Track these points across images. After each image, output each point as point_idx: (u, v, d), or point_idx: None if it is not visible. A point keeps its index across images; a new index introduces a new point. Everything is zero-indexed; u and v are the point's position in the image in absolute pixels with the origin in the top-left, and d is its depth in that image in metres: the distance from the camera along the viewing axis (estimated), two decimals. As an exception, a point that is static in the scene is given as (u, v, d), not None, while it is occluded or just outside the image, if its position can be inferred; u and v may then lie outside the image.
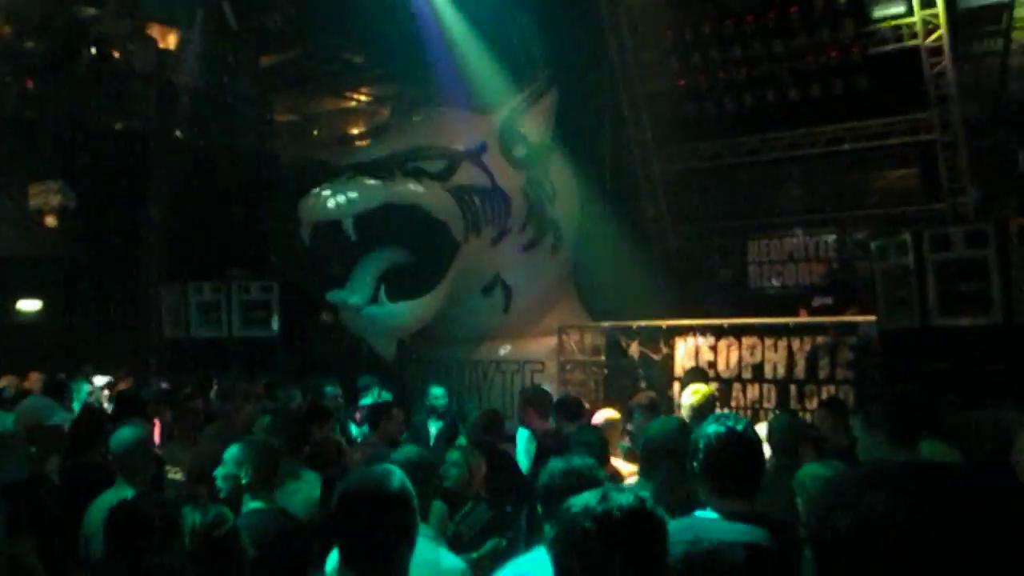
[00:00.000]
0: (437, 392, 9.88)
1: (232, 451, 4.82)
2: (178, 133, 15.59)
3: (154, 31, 16.10)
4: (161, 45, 16.02)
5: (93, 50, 14.55)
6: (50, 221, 14.02)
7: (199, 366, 12.70)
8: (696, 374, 10.59)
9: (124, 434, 5.33)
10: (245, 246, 15.87)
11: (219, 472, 4.81)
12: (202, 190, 15.15)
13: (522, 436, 8.01)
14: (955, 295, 8.95)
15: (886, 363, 9.96)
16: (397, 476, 3.01)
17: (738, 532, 3.22)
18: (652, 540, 2.38)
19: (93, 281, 14.45)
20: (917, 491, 1.49)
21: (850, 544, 1.46)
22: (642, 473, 4.72)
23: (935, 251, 9.12)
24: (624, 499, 2.37)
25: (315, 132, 21.34)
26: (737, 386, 11.36)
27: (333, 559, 3.21)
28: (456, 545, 4.81)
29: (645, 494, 2.51)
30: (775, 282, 14.49)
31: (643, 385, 11.64)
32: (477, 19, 13.06)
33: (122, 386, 10.89)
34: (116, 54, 15.24)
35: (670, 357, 11.91)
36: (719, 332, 11.61)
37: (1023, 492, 1.57)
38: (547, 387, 10.01)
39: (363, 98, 20.72)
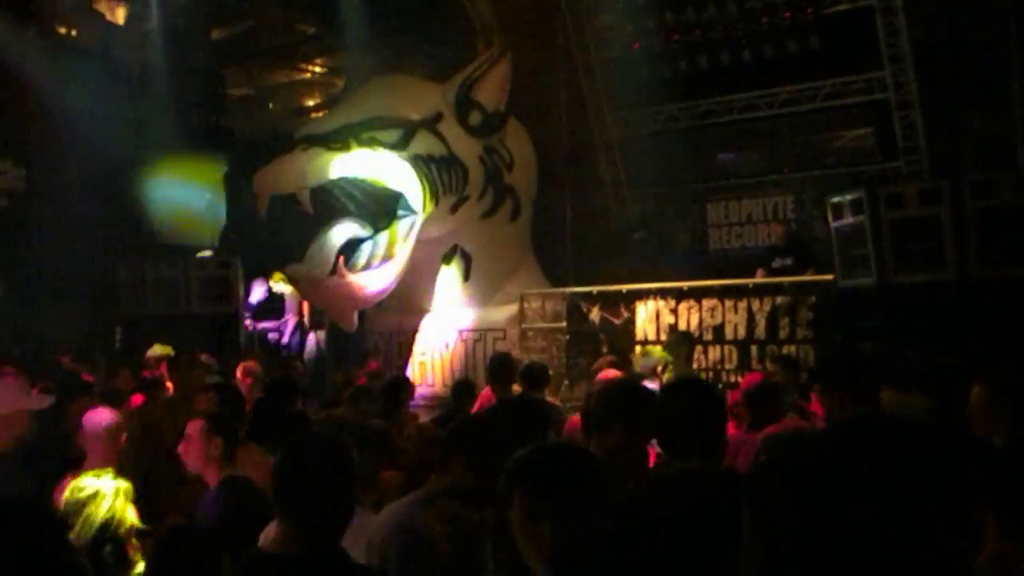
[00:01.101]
0: None
1: None
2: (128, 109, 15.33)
3: (102, 6, 15.83)
4: (109, 19, 15.75)
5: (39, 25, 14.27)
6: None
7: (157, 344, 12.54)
8: (682, 337, 10.67)
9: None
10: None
11: None
12: (153, 166, 14.94)
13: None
14: (909, 252, 9.03)
15: (843, 321, 10.04)
16: (341, 443, 3.00)
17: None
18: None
19: (48, 260, 14.21)
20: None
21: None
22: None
23: (890, 209, 9.19)
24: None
25: (270, 105, 21.18)
26: (699, 348, 11.41)
27: None
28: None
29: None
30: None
31: (605, 350, 11.68)
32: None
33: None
34: (63, 30, 14.98)
35: (631, 321, 11.95)
36: (679, 295, 11.65)
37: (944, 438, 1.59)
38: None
39: (318, 69, 20.56)
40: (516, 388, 7.91)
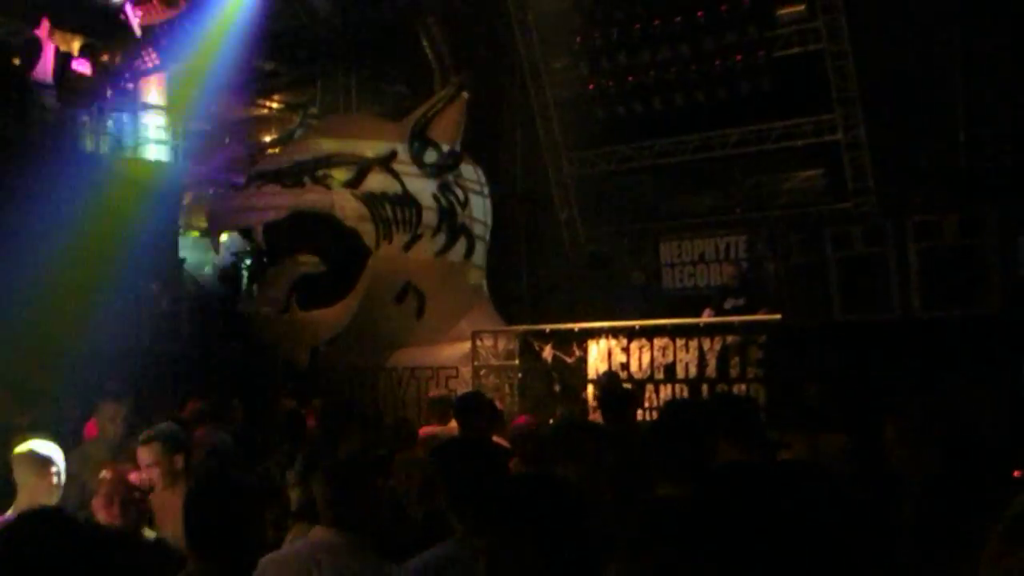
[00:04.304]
0: None
1: None
2: (81, 142, 15.20)
3: (56, 38, 15.71)
4: (63, 49, 15.63)
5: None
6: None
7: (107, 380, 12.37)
8: (611, 378, 10.69)
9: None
10: (155, 257, 15.54)
11: None
12: (107, 200, 14.77)
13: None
14: (856, 291, 9.11)
15: (791, 359, 10.09)
16: (244, 475, 3.02)
17: None
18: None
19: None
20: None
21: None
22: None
23: (836, 249, 9.28)
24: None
25: (226, 140, 21.08)
26: (650, 387, 11.42)
27: None
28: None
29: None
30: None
31: (557, 388, 11.70)
32: (386, 25, 13.04)
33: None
34: (16, 61, 14.85)
35: (583, 360, 11.94)
36: (631, 334, 11.66)
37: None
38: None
39: (274, 106, 20.54)
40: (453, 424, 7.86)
